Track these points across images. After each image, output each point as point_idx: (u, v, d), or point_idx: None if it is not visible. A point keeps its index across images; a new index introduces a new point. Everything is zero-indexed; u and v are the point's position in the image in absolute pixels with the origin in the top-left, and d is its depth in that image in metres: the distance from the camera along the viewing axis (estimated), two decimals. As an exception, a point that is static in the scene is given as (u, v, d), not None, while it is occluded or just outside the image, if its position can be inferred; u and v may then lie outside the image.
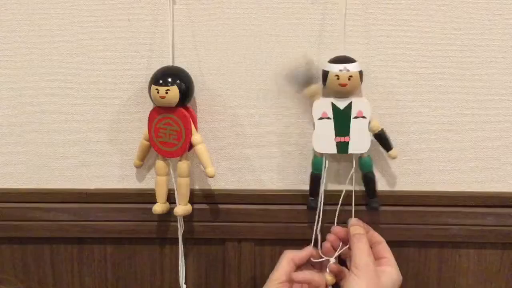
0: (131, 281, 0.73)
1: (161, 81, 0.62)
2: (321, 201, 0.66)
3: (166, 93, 0.61)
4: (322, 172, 0.65)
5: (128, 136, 0.69)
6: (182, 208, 0.66)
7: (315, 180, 0.66)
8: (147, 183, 0.70)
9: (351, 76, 0.61)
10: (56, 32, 0.66)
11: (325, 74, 0.62)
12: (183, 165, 0.66)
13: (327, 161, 0.65)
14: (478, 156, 0.68)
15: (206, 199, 0.70)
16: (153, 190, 0.67)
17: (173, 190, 0.67)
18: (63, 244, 0.72)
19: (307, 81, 0.63)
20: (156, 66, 0.64)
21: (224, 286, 0.72)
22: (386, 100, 0.66)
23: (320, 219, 0.66)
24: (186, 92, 0.63)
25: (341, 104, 0.63)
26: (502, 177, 0.69)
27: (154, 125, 0.64)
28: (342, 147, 0.64)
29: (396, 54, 0.65)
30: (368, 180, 0.66)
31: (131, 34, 0.65)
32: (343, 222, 0.66)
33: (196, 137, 0.64)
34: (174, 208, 0.67)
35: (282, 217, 0.69)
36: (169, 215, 0.68)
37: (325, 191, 0.66)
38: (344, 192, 0.66)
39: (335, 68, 0.61)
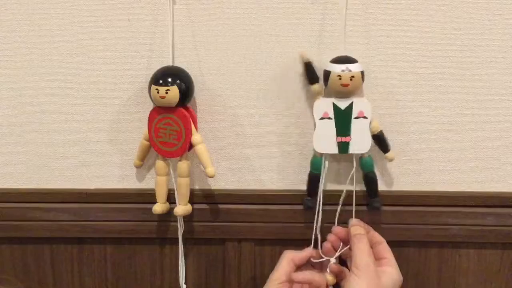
0: (131, 281, 0.73)
1: (161, 81, 0.62)
2: (320, 201, 0.66)
3: (166, 93, 0.61)
4: (322, 172, 0.65)
5: (128, 136, 0.69)
6: (182, 208, 0.66)
7: (313, 179, 0.66)
8: (147, 183, 0.70)
9: (353, 76, 0.61)
10: (56, 32, 0.66)
11: (327, 74, 0.62)
12: (183, 165, 0.66)
13: (326, 162, 0.65)
14: (478, 156, 0.68)
15: (206, 199, 0.70)
16: (153, 190, 0.67)
17: (173, 190, 0.67)
18: (63, 244, 0.72)
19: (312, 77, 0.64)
20: (156, 66, 0.64)
21: (224, 286, 0.72)
22: (386, 100, 0.66)
23: (320, 219, 0.66)
24: (186, 92, 0.63)
25: (342, 104, 0.63)
26: (502, 177, 0.69)
27: (154, 125, 0.64)
28: (343, 147, 0.64)
29: (396, 54, 0.65)
30: (370, 180, 0.66)
31: (131, 34, 0.65)
32: (344, 222, 0.66)
33: (196, 137, 0.64)
34: (174, 208, 0.67)
35: (282, 217, 0.69)
36: (169, 215, 0.68)
37: (325, 191, 0.66)
38: (344, 192, 0.66)
39: (337, 68, 0.61)
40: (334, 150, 0.64)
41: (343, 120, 0.63)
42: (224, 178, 0.70)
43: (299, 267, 0.65)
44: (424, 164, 0.69)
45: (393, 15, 0.64)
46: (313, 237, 0.67)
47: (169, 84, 0.61)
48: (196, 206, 0.69)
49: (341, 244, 0.65)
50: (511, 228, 0.69)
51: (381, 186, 0.69)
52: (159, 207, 0.67)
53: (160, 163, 0.66)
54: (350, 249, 0.63)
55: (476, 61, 0.65)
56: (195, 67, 0.66)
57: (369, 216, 0.67)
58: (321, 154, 0.65)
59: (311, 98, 0.65)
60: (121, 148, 0.69)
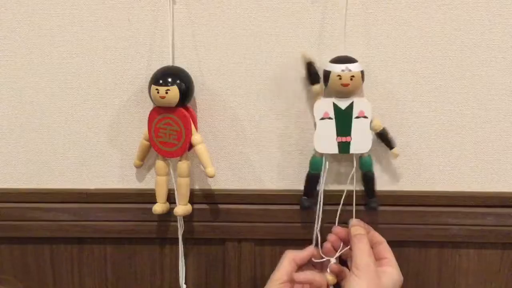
0: (131, 281, 0.73)
1: (161, 81, 0.62)
2: (320, 201, 0.66)
3: (166, 93, 0.61)
4: (322, 172, 0.65)
5: (128, 136, 0.69)
6: (182, 208, 0.66)
7: (311, 180, 0.66)
8: (147, 183, 0.70)
9: (353, 76, 0.61)
10: (56, 32, 0.66)
11: (327, 74, 0.62)
12: (183, 165, 0.66)
13: (327, 162, 0.65)
14: (478, 156, 0.68)
15: (206, 199, 0.70)
16: (153, 190, 0.67)
17: (173, 190, 0.67)
18: (63, 244, 0.72)
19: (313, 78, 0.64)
20: (156, 66, 0.64)
21: (224, 286, 0.72)
22: (386, 100, 0.66)
23: (320, 219, 0.66)
24: (186, 92, 0.63)
25: (343, 104, 0.63)
26: (502, 177, 0.69)
27: (154, 125, 0.64)
28: (344, 147, 0.64)
29: (396, 54, 0.65)
30: (368, 179, 0.66)
31: (131, 34, 0.65)
32: (344, 222, 0.66)
33: (196, 137, 0.64)
34: (174, 208, 0.67)
35: (282, 217, 0.69)
36: (169, 215, 0.68)
37: (325, 191, 0.66)
38: (345, 192, 0.66)
39: (337, 68, 0.61)
40: (335, 150, 0.64)
41: (343, 120, 0.63)
42: (224, 178, 0.70)
43: (300, 267, 0.65)
44: (424, 164, 0.69)
45: (393, 15, 0.64)
46: (314, 237, 0.67)
47: (169, 84, 0.61)
48: (196, 206, 0.69)
49: (342, 244, 0.65)
50: (511, 228, 0.69)
51: (382, 186, 0.69)
52: (159, 207, 0.67)
53: (160, 163, 0.66)
54: (350, 249, 0.63)
55: (476, 61, 0.65)
56: (195, 67, 0.66)
57: (369, 216, 0.67)
58: (321, 154, 0.65)
59: (312, 98, 0.65)
60: (121, 148, 0.69)
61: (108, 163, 0.70)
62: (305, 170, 0.68)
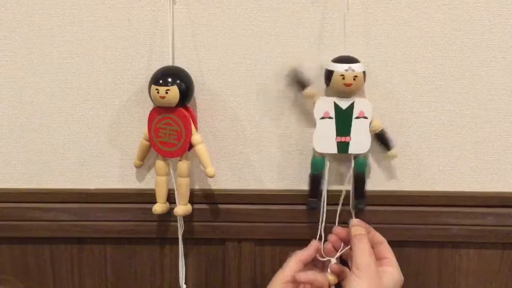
0: (131, 281, 0.73)
1: (161, 81, 0.62)
2: (324, 201, 0.66)
3: (166, 93, 0.61)
4: (325, 172, 0.65)
5: (128, 136, 0.69)
6: (182, 208, 0.66)
7: (315, 180, 0.66)
8: (147, 183, 0.70)
9: (356, 76, 0.61)
10: (56, 32, 0.66)
11: (329, 73, 0.62)
12: (183, 165, 0.66)
13: (328, 162, 0.65)
14: (478, 156, 0.68)
15: (206, 199, 0.70)
16: (153, 190, 0.67)
17: (173, 190, 0.67)
18: (63, 244, 0.72)
19: (301, 83, 0.64)
20: (156, 66, 0.64)
21: (224, 286, 0.72)
22: (386, 100, 0.66)
23: (324, 218, 0.66)
24: (186, 92, 0.63)
25: (344, 104, 0.63)
26: (502, 177, 0.69)
27: (154, 125, 0.64)
28: (343, 147, 0.64)
29: (396, 54, 0.65)
30: (359, 180, 0.65)
31: (131, 34, 0.65)
32: (344, 222, 0.66)
33: (196, 137, 0.64)
34: (174, 208, 0.67)
35: (282, 217, 0.69)
36: (169, 215, 0.68)
37: (327, 191, 0.66)
38: (343, 192, 0.66)
39: (340, 68, 0.61)
40: (334, 150, 0.64)
41: (343, 120, 0.63)
42: (224, 178, 0.70)
43: (306, 266, 0.65)
44: (424, 164, 0.69)
45: (393, 15, 0.64)
46: (318, 234, 0.66)
47: (169, 84, 0.61)
48: (196, 206, 0.69)
49: (342, 244, 0.65)
50: (511, 228, 0.69)
51: (382, 186, 0.69)
52: (159, 207, 0.67)
53: (160, 163, 0.66)
54: (351, 249, 0.63)
55: (476, 61, 0.65)
56: (195, 67, 0.66)
57: (369, 216, 0.67)
58: (320, 154, 0.65)
59: (307, 101, 0.65)
60: (121, 148, 0.69)
61: (108, 163, 0.70)
62: (305, 170, 0.68)
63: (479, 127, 0.67)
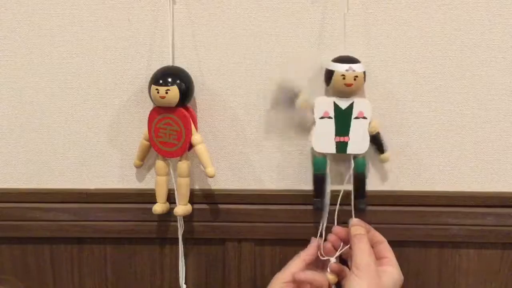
0: (131, 281, 0.73)
1: (161, 81, 0.62)
2: (327, 200, 0.66)
3: (166, 93, 0.61)
4: (327, 171, 0.65)
5: (128, 136, 0.69)
6: (182, 208, 0.66)
7: (318, 180, 0.66)
8: (147, 183, 0.70)
9: (356, 76, 0.61)
10: (56, 32, 0.66)
11: (330, 73, 0.62)
12: (183, 165, 0.66)
13: (328, 161, 0.65)
14: (478, 156, 0.68)
15: (206, 199, 0.70)
16: (153, 190, 0.67)
17: (173, 190, 0.67)
18: (63, 244, 0.72)
19: (291, 98, 0.64)
20: (156, 66, 0.64)
21: (224, 286, 0.72)
22: (386, 100, 0.66)
23: (327, 215, 0.66)
24: (186, 92, 0.63)
25: (343, 104, 0.63)
26: (502, 177, 0.69)
27: (154, 125, 0.64)
28: (341, 147, 0.64)
29: (396, 54, 0.65)
30: (359, 180, 0.65)
31: (131, 34, 0.65)
32: (344, 222, 0.66)
33: (196, 137, 0.64)
34: (174, 208, 0.67)
35: (282, 217, 0.69)
36: (169, 215, 0.68)
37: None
38: (342, 192, 0.66)
39: (341, 68, 0.61)
40: (332, 150, 0.64)
41: (343, 120, 0.63)
42: (224, 178, 0.70)
43: (308, 265, 0.65)
44: (424, 164, 0.69)
45: (393, 15, 0.64)
46: (318, 235, 0.66)
47: (169, 84, 0.61)
48: (196, 206, 0.69)
49: (342, 244, 0.65)
50: (511, 228, 0.69)
51: (381, 186, 0.69)
52: (159, 207, 0.67)
53: (160, 163, 0.66)
54: (350, 248, 0.63)
55: (476, 61, 0.65)
56: (195, 67, 0.66)
57: (369, 216, 0.67)
58: (320, 154, 0.65)
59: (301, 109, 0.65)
60: (121, 148, 0.69)
61: (108, 163, 0.70)
62: (305, 170, 0.68)
63: (479, 127, 0.67)
